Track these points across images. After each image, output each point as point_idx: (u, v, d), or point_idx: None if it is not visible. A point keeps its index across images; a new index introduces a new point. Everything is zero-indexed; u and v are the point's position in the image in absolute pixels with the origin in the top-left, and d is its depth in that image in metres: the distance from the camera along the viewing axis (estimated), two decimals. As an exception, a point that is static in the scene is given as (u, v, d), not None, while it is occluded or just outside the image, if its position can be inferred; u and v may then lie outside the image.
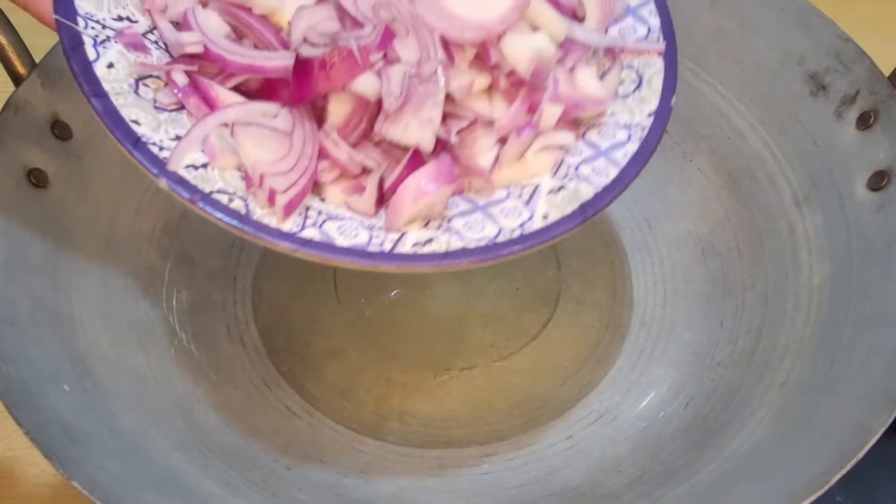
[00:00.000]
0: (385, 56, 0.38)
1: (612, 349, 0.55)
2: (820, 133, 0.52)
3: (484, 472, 0.50)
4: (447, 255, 0.37)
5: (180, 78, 0.39)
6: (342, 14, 0.38)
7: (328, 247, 0.36)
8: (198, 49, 0.39)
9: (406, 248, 0.37)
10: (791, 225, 0.53)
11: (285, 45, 0.39)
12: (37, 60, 0.49)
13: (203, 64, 0.39)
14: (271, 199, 0.36)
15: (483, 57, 0.39)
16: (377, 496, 0.49)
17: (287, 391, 0.53)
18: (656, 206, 0.59)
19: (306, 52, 0.37)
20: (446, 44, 0.38)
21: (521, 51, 0.39)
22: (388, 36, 0.37)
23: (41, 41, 0.49)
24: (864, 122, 0.50)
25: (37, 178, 0.49)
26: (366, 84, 0.37)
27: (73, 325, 0.48)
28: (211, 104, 0.39)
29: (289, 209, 0.37)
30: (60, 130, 0.50)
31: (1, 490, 0.54)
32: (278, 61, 0.38)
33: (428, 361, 0.54)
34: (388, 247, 0.37)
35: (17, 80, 0.49)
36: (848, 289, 0.48)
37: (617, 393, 0.53)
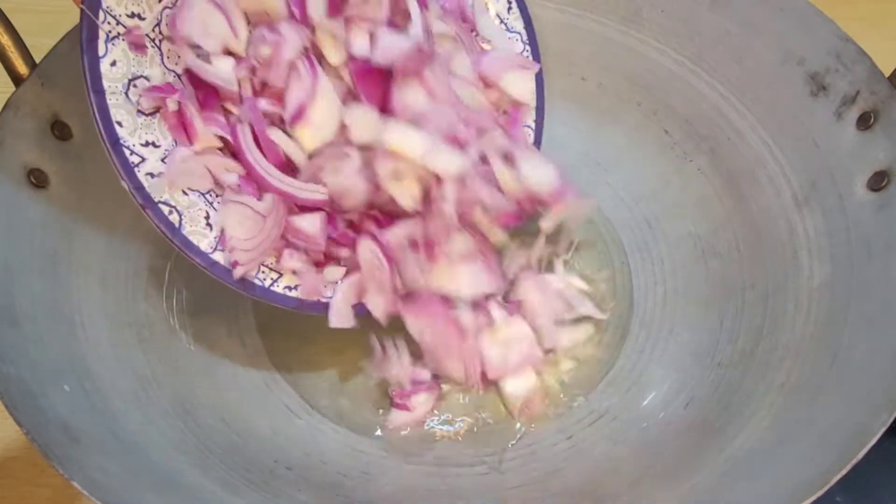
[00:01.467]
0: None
1: (612, 349, 0.55)
2: (820, 133, 0.52)
3: (484, 472, 0.50)
4: (304, 304, 0.49)
5: (172, 104, 0.45)
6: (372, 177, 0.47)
7: (226, 271, 0.46)
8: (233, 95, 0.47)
9: (279, 288, 0.48)
10: (791, 225, 0.53)
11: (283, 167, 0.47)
12: (37, 60, 0.49)
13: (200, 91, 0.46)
14: (234, 265, 0.46)
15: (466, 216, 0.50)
16: (377, 496, 0.49)
17: (287, 391, 0.53)
18: (656, 206, 0.59)
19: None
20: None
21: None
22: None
23: (41, 41, 0.49)
24: (864, 122, 0.50)
25: (37, 178, 0.49)
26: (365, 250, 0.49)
27: (73, 325, 0.48)
28: (188, 132, 0.46)
29: (241, 272, 0.47)
30: (60, 130, 0.50)
31: (1, 490, 0.54)
32: (313, 195, 0.47)
33: (428, 361, 0.54)
34: (267, 283, 0.48)
35: (17, 80, 0.49)
36: (848, 289, 0.48)
37: (617, 393, 0.53)
